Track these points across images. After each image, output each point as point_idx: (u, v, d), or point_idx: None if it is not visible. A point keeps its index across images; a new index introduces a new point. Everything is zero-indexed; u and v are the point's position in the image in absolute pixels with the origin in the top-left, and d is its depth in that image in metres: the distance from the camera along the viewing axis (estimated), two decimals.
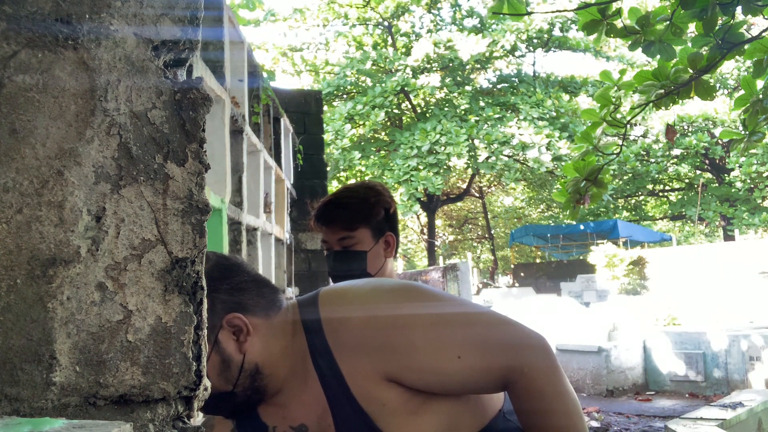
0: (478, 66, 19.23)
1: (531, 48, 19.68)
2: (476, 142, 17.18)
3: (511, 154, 17.48)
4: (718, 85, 18.30)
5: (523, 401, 1.05)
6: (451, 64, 18.44)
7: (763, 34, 2.60)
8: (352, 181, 18.55)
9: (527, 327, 1.09)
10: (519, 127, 16.72)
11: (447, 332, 1.06)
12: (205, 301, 0.97)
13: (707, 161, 19.84)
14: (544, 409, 1.04)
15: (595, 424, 5.83)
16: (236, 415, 1.20)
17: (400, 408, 1.05)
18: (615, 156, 2.93)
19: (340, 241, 1.75)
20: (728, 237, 18.35)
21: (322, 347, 1.08)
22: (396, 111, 18.99)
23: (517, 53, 19.77)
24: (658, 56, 2.60)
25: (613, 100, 2.86)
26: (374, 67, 18.63)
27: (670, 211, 21.58)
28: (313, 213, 1.81)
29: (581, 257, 19.56)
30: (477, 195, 24.96)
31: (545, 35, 18.92)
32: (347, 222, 1.75)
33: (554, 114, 17.42)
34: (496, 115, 17.25)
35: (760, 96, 2.69)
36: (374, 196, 1.78)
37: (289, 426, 1.15)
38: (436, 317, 1.07)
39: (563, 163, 14.08)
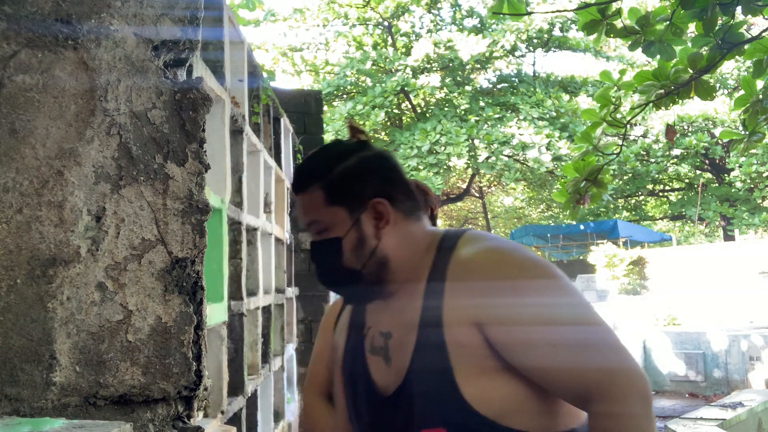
0: (478, 66, 19.22)
1: (531, 48, 19.67)
2: (476, 142, 17.17)
3: (511, 154, 17.47)
4: (718, 85, 18.29)
5: (601, 421, 1.02)
6: (451, 64, 18.43)
7: (763, 34, 2.60)
8: None
9: (635, 361, 1.06)
10: (519, 127, 16.71)
11: (556, 319, 1.05)
12: (205, 301, 0.97)
13: (707, 161, 19.84)
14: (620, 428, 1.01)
15: None
16: (353, 298, 1.27)
17: (474, 360, 1.06)
18: (615, 156, 2.93)
19: None
20: (728, 237, 18.34)
21: (441, 271, 1.12)
22: (396, 111, 18.98)
23: (517, 53, 19.75)
24: (658, 56, 2.60)
25: (613, 100, 2.86)
26: (374, 67, 18.62)
27: (670, 211, 21.57)
28: None
29: (581, 257, 19.55)
30: (477, 195, 24.95)
31: (545, 35, 18.91)
32: None
33: (554, 114, 17.41)
34: (496, 115, 17.25)
35: (760, 96, 2.69)
36: (422, 195, 1.81)
37: (379, 330, 1.21)
38: (556, 303, 1.06)
39: (563, 163, 14.08)
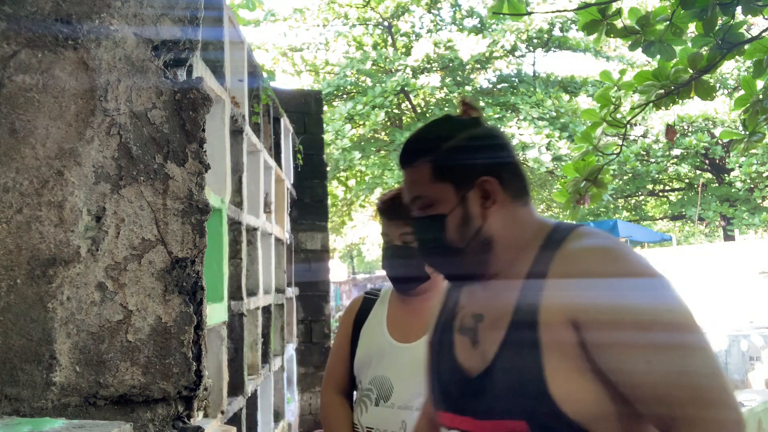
0: (478, 66, 19.22)
1: (531, 48, 19.67)
2: None
3: None
4: (718, 85, 18.27)
5: (693, 426, 0.96)
6: (451, 64, 18.43)
7: (763, 34, 2.60)
8: (352, 182, 18.57)
9: (738, 404, 0.99)
10: (519, 127, 16.71)
11: (660, 335, 0.98)
12: (205, 301, 0.97)
13: (707, 161, 19.84)
14: None
15: None
16: (453, 277, 1.25)
17: (567, 359, 1.02)
18: (615, 156, 2.94)
19: (402, 236, 1.78)
20: (728, 237, 18.34)
21: (545, 264, 1.08)
22: (396, 111, 18.98)
23: (517, 53, 19.75)
24: (658, 56, 2.60)
25: (613, 100, 2.86)
26: (374, 67, 18.62)
27: (670, 211, 21.57)
28: (378, 205, 1.86)
29: None
30: None
31: (545, 35, 18.91)
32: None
33: (554, 114, 17.41)
34: (496, 115, 17.24)
35: (760, 96, 2.69)
36: None
37: (471, 311, 1.18)
38: (657, 307, 1.00)
39: (563, 163, 14.07)
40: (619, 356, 0.99)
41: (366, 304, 1.94)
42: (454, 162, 1.13)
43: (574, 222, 1.13)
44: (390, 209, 1.81)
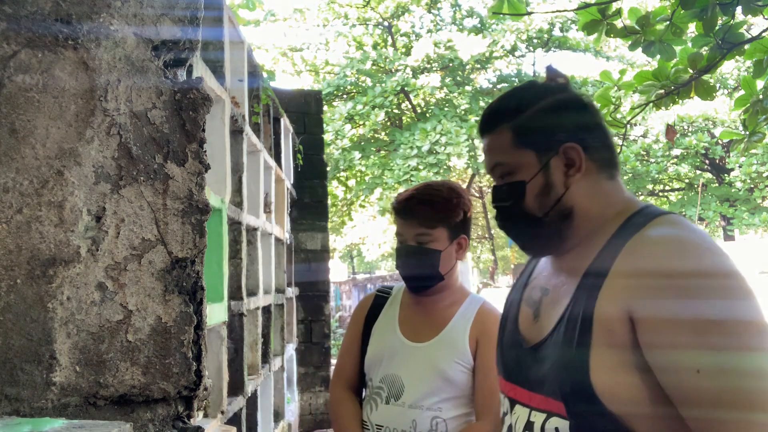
0: (478, 66, 19.22)
1: (531, 48, 19.67)
2: (476, 142, 17.17)
3: None
4: (718, 85, 18.27)
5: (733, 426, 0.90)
6: (451, 64, 18.44)
7: (763, 34, 2.60)
8: (352, 182, 18.59)
9: None
10: None
11: (716, 340, 0.91)
12: (205, 301, 0.97)
13: (707, 161, 19.84)
14: None
15: None
16: (529, 248, 1.21)
17: (615, 349, 0.97)
18: None
19: (417, 236, 1.79)
20: (728, 237, 18.35)
21: (616, 247, 1.03)
22: (396, 111, 18.99)
23: (517, 53, 19.76)
24: (658, 56, 2.60)
25: (613, 100, 2.86)
26: (374, 67, 18.63)
27: None
28: (393, 205, 1.86)
29: None
30: (477, 195, 24.96)
31: (545, 35, 18.91)
32: (427, 219, 1.78)
33: None
34: None
35: (760, 96, 2.69)
36: (456, 197, 1.81)
37: (540, 284, 1.16)
38: (726, 318, 0.92)
39: None
40: (672, 357, 0.94)
41: (378, 302, 1.94)
42: (537, 128, 1.09)
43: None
44: (405, 209, 1.81)
